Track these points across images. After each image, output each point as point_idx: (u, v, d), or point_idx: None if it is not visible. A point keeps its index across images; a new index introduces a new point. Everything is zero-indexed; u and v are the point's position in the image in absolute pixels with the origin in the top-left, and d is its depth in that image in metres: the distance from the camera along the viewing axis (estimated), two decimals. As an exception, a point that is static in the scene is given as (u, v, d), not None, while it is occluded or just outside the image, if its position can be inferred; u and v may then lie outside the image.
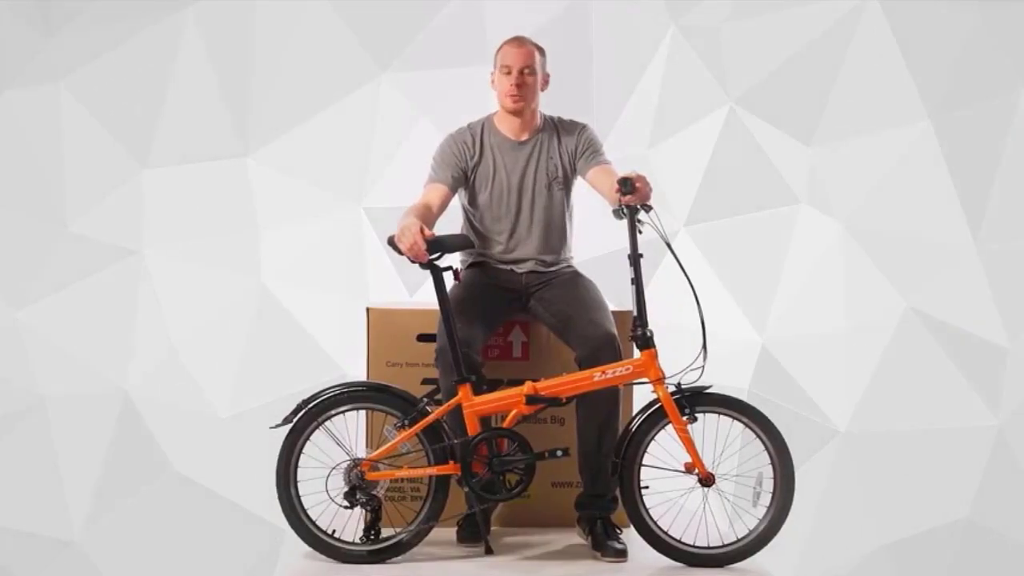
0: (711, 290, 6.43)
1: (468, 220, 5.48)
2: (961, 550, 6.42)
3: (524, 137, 5.38)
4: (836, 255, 6.49)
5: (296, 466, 4.87)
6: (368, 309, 5.44)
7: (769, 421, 4.89)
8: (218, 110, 6.54)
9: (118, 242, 6.52)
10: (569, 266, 5.49)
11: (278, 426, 4.88)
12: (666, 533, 4.91)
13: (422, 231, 4.92)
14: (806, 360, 6.48)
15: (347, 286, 6.54)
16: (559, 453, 4.95)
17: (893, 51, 6.46)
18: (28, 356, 6.49)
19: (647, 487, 4.91)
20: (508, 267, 5.40)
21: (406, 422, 4.91)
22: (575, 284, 5.38)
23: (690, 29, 6.58)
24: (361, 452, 5.08)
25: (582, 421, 5.14)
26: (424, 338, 5.33)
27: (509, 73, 5.28)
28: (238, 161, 6.55)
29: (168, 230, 6.54)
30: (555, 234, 5.42)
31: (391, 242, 4.98)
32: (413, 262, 4.98)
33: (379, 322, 5.41)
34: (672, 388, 4.89)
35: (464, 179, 5.37)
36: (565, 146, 5.42)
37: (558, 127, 5.44)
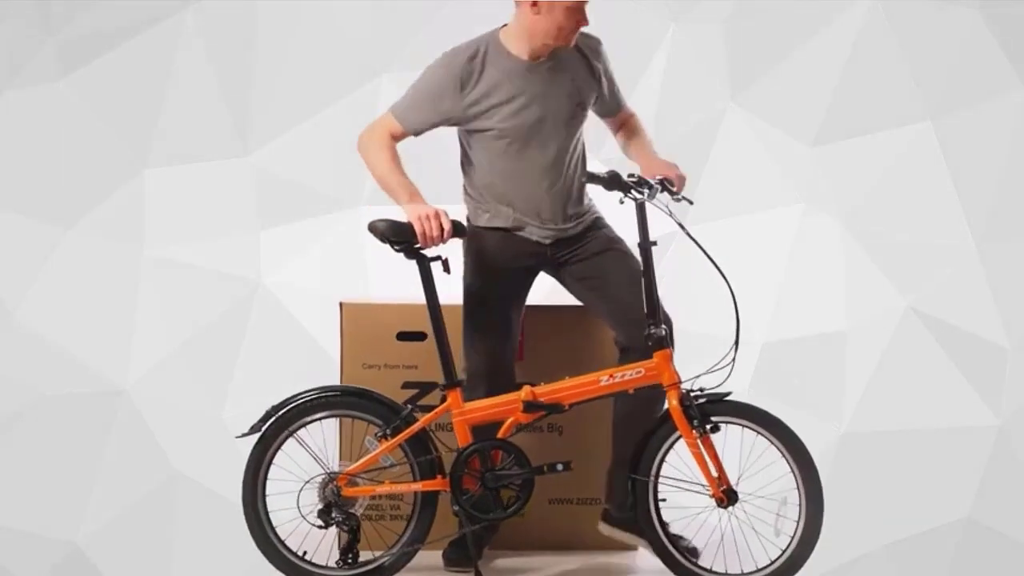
0: (711, 290, 6.01)
1: (468, 178, 4.48)
2: (961, 550, 6.12)
3: (541, 56, 4.36)
4: (836, 255, 6.21)
5: (265, 480, 4.24)
6: (341, 304, 4.73)
7: (792, 433, 4.22)
8: (218, 110, 6.22)
9: (118, 242, 6.20)
10: (597, 218, 4.47)
11: (245, 435, 4.26)
12: (685, 556, 4.28)
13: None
14: (806, 360, 6.19)
15: (347, 286, 6.13)
16: (559, 467, 4.22)
17: (893, 51, 6.19)
18: (28, 356, 6.16)
19: (664, 500, 4.28)
20: (526, 234, 4.42)
21: (388, 431, 4.22)
22: (617, 255, 4.44)
23: (690, 29, 6.27)
24: (337, 465, 4.48)
25: (623, 428, 4.40)
26: (406, 337, 4.65)
27: (578, 9, 4.31)
28: (238, 161, 6.22)
29: (168, 230, 6.23)
30: (578, 182, 4.45)
31: (392, 231, 4.22)
32: (413, 252, 4.23)
33: (354, 319, 4.72)
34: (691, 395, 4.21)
35: (454, 124, 4.39)
36: (589, 68, 4.44)
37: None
